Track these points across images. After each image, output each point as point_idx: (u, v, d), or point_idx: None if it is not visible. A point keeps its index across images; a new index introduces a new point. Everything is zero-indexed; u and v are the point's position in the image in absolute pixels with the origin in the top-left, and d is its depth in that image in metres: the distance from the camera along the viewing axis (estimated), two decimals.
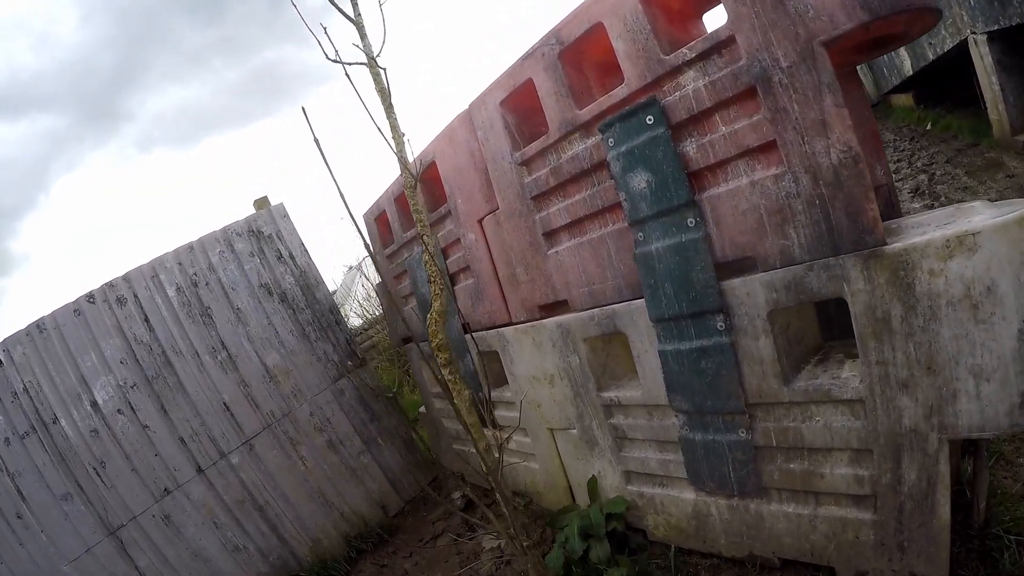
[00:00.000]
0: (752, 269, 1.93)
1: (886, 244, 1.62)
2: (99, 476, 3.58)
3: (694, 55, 1.89)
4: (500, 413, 3.28)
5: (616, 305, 2.36)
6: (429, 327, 2.26)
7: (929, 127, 7.23)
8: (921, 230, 1.70)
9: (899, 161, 6.65)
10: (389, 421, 4.30)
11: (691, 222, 2.00)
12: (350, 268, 9.01)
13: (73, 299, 3.66)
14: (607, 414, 2.59)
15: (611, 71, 2.25)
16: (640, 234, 2.16)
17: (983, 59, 5.66)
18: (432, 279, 2.26)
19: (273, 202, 4.33)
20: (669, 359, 2.19)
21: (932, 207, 4.96)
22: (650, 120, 2.04)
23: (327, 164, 1.88)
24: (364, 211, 4.19)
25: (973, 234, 1.49)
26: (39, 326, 3.55)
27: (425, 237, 2.27)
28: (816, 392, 1.88)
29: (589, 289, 2.46)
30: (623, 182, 2.15)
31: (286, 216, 4.22)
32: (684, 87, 1.96)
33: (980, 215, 1.62)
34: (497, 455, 2.41)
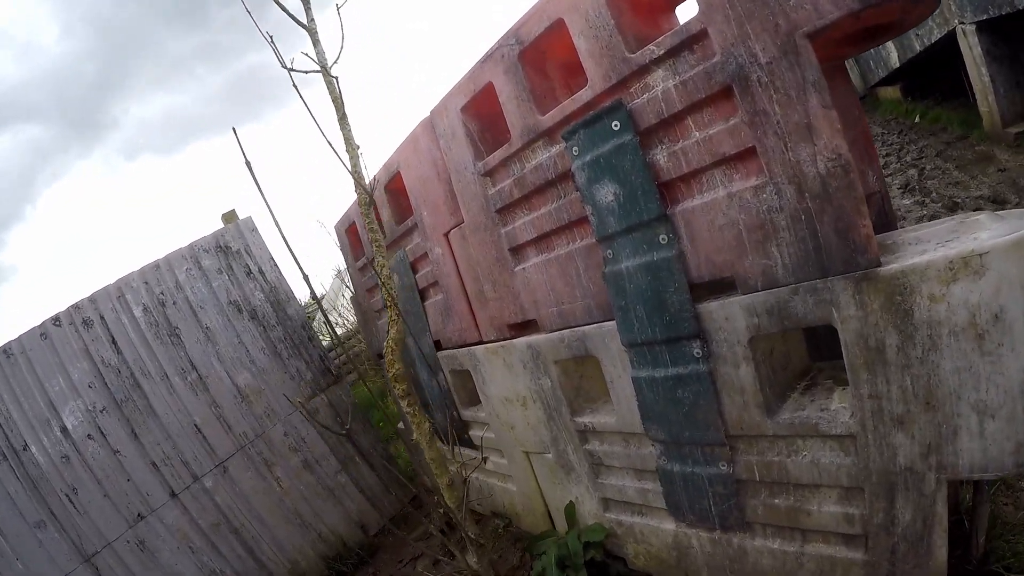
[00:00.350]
0: (731, 290, 1.69)
1: (880, 265, 1.38)
2: (71, 503, 3.40)
3: (662, 52, 1.63)
4: (475, 433, 3.04)
5: (586, 327, 2.11)
6: (385, 356, 2.02)
7: (917, 120, 6.95)
8: (920, 248, 1.45)
9: (888, 155, 6.38)
10: (367, 439, 4.06)
11: (663, 239, 1.75)
12: (337, 273, 8.72)
13: (39, 322, 3.46)
14: (582, 439, 2.35)
15: (577, 72, 1.99)
16: (609, 251, 1.91)
17: (972, 50, 5.38)
18: (388, 305, 2.02)
19: (247, 214, 4.09)
20: (643, 386, 1.94)
21: (923, 203, 4.70)
22: (616, 126, 1.78)
23: (260, 189, 1.64)
24: (336, 222, 3.93)
25: (980, 254, 1.25)
26: (6, 351, 3.37)
27: (379, 258, 2.02)
28: (802, 426, 1.64)
29: (558, 309, 2.21)
30: (589, 195, 1.90)
31: (255, 230, 3.96)
32: (652, 88, 1.70)
33: (987, 231, 1.37)
34: (465, 480, 2.18)
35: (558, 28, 1.90)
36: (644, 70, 1.70)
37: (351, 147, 2.18)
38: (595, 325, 2.07)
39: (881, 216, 1.92)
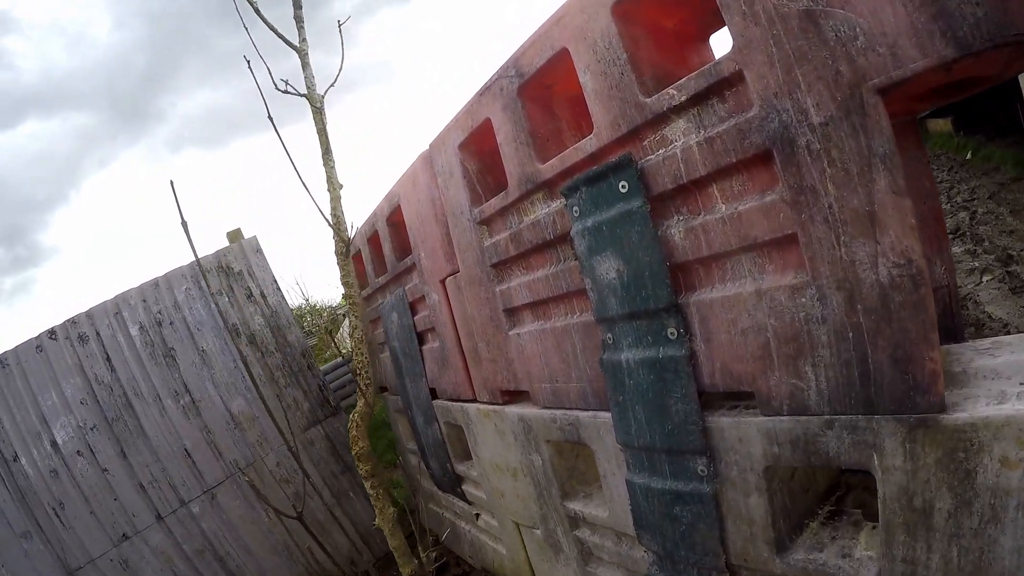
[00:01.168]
0: (750, 404, 1.34)
1: (944, 411, 1.01)
2: (58, 517, 3.24)
3: (684, 98, 1.23)
4: (468, 489, 2.71)
5: (581, 413, 1.74)
6: (350, 431, 1.72)
7: (969, 156, 6.36)
8: (997, 386, 1.06)
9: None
10: None
11: (671, 333, 1.38)
12: None
13: (36, 334, 3.29)
14: (572, 525, 1.99)
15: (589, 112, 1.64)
16: (609, 335, 1.55)
17: None
18: (358, 372, 1.72)
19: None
20: (638, 493, 1.57)
21: (975, 253, 4.19)
22: (623, 187, 1.41)
23: (193, 249, 1.36)
24: None
25: None
26: (1, 361, 3.21)
27: (351, 318, 1.73)
28: (816, 573, 1.27)
29: (552, 386, 1.85)
30: (589, 266, 1.55)
31: (258, 251, 3.67)
32: (671, 144, 1.31)
33: None
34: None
35: (563, 59, 1.52)
36: (661, 119, 1.31)
37: (333, 186, 1.89)
38: (590, 413, 1.70)
39: (946, 316, 1.51)
